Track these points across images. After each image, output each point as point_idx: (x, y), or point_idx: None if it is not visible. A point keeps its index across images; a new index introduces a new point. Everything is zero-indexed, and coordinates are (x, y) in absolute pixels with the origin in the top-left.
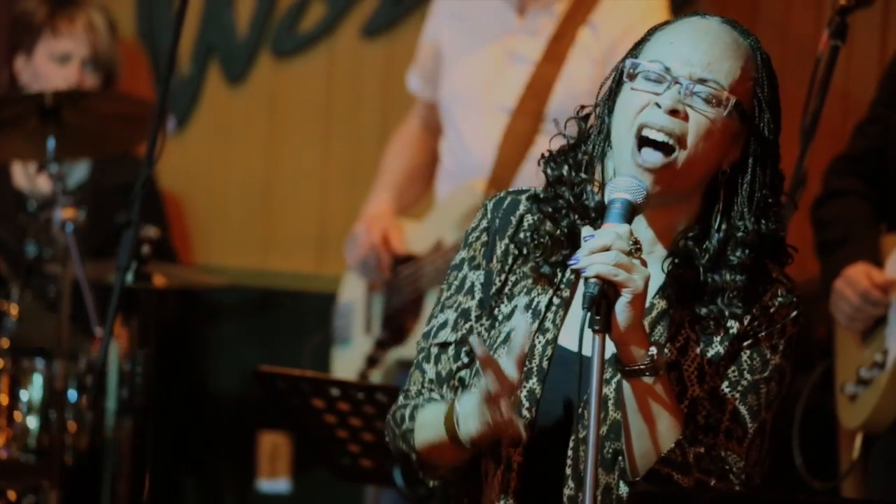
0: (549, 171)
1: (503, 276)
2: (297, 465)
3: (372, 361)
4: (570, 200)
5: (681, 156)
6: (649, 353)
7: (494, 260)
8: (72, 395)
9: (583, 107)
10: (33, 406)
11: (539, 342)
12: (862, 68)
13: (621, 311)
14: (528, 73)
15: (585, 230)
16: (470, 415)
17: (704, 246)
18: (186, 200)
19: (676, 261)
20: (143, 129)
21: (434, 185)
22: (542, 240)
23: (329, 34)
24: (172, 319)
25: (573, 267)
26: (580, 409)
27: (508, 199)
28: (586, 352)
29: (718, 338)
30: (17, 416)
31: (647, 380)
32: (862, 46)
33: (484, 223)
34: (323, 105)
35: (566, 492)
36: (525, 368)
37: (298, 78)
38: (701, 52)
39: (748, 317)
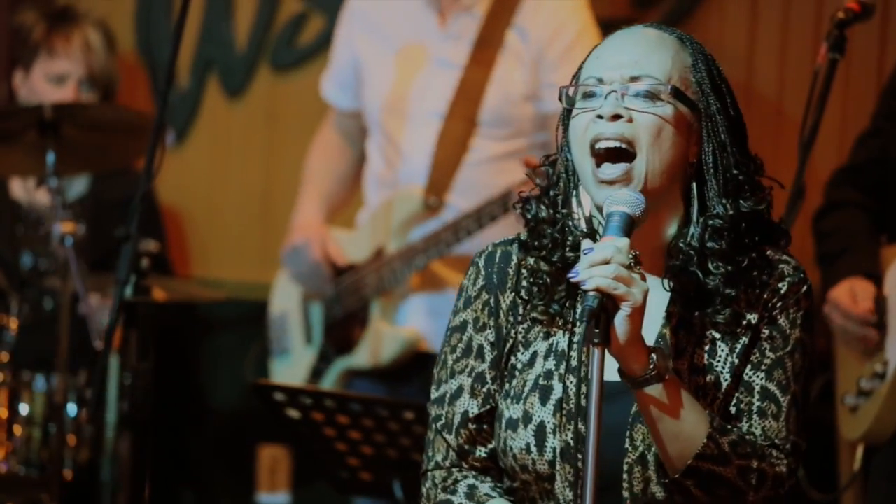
0: (527, 214)
1: (516, 328)
2: (296, 478)
3: (317, 373)
4: (555, 237)
5: (639, 160)
6: (651, 360)
7: (502, 316)
8: (71, 408)
9: (547, 156)
10: (33, 420)
11: (571, 383)
12: (860, 81)
13: (620, 324)
14: (457, 78)
15: (585, 243)
16: None
17: (692, 245)
18: (185, 214)
19: (674, 274)
20: (142, 142)
21: (363, 193)
22: (541, 281)
23: (328, 48)
24: (172, 333)
25: (573, 280)
26: (627, 430)
27: (499, 252)
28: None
29: (742, 330)
30: (17, 429)
31: (655, 388)
32: (860, 59)
33: (480, 282)
34: (321, 118)
35: (625, 494)
36: (564, 412)
37: (297, 91)
38: (627, 54)
39: (762, 303)
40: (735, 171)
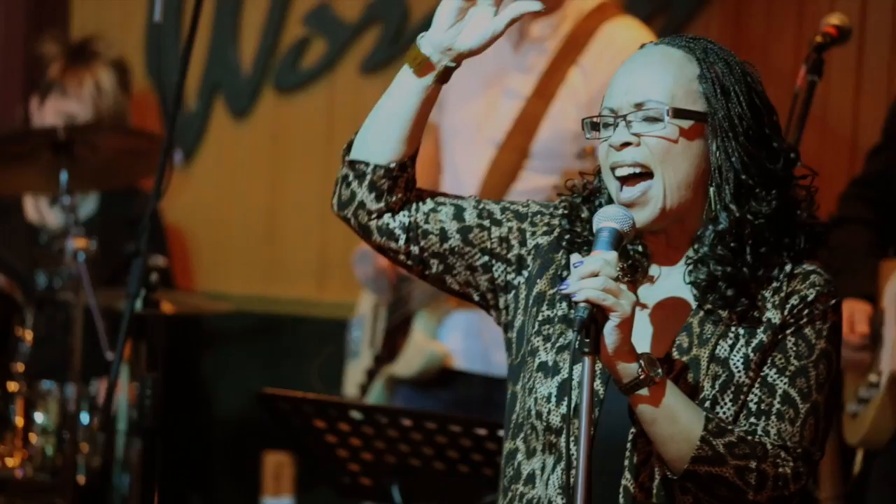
0: (568, 212)
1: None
2: (299, 483)
3: (371, 375)
4: (584, 243)
5: (655, 180)
6: (638, 365)
7: (535, 252)
8: (84, 417)
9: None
10: (47, 428)
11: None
12: (838, 102)
13: (609, 333)
14: (519, 108)
15: (574, 257)
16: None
17: (702, 249)
18: (193, 230)
19: (692, 268)
20: (151, 162)
21: None
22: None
23: (329, 71)
24: (180, 344)
25: (563, 292)
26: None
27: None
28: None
29: (761, 327)
30: (32, 437)
31: (645, 392)
32: (838, 81)
33: (562, 211)
34: (324, 138)
35: (623, 482)
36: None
37: (300, 113)
38: (631, 81)
39: (788, 306)
40: (744, 177)
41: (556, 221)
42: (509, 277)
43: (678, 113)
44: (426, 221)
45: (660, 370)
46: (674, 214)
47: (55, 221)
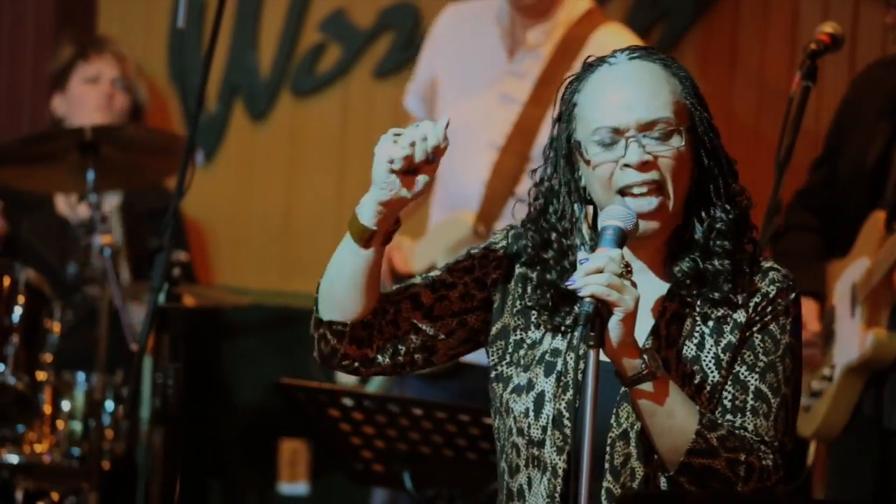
0: (534, 237)
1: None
2: (314, 469)
3: None
4: (556, 256)
5: (666, 198)
6: (642, 360)
7: (495, 288)
8: (109, 405)
9: (534, 170)
10: (74, 415)
11: (570, 358)
12: (831, 107)
13: (613, 327)
14: (517, 114)
15: (581, 254)
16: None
17: (694, 238)
18: (213, 227)
19: (675, 261)
20: (173, 161)
21: (429, 206)
22: (548, 295)
23: (344, 75)
24: (201, 336)
25: (570, 287)
26: (614, 409)
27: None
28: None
29: (728, 327)
30: (60, 424)
31: (647, 385)
32: (831, 87)
33: (502, 243)
34: (338, 140)
35: (605, 485)
36: (562, 382)
37: (316, 115)
38: (634, 97)
39: (752, 305)
40: (730, 179)
41: (500, 253)
42: (481, 317)
43: (688, 129)
44: (395, 325)
45: (661, 365)
46: (667, 226)
47: (85, 215)
